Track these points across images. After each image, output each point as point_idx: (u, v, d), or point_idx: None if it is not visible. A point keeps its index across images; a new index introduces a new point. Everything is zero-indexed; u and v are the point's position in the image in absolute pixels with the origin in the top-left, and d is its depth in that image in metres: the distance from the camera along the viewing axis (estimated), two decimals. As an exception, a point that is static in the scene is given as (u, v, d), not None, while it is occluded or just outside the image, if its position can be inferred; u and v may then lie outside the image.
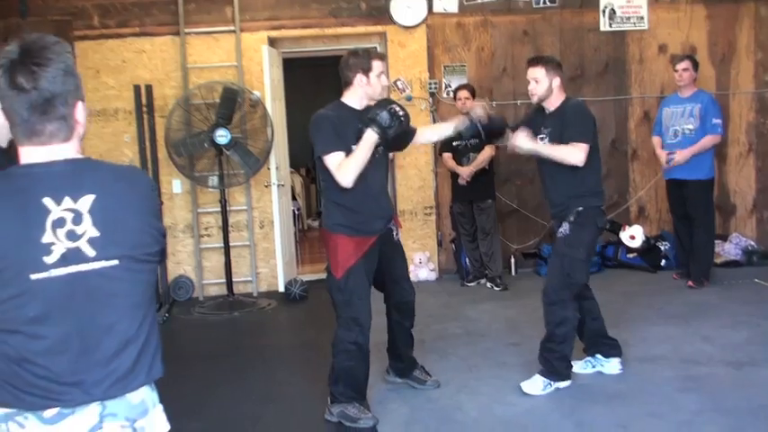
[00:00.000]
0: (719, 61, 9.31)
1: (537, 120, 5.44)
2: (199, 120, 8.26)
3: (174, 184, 8.78)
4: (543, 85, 5.25)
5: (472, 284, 8.61)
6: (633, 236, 8.98)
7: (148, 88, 8.29)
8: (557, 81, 5.25)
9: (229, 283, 8.49)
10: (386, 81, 5.06)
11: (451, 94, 8.70)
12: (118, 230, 2.22)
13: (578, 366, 5.61)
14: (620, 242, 9.02)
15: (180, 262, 8.92)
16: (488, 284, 8.46)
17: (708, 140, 7.85)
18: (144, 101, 8.26)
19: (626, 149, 9.38)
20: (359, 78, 4.93)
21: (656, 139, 8.30)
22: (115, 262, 2.21)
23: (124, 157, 8.60)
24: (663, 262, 8.92)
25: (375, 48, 9.06)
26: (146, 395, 2.35)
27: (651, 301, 7.60)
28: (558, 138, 5.19)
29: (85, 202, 2.17)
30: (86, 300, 2.19)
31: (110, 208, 2.22)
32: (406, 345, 5.50)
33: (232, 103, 8.13)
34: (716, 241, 8.54)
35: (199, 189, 8.77)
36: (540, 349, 5.37)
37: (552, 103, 5.31)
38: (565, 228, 5.23)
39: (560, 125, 5.20)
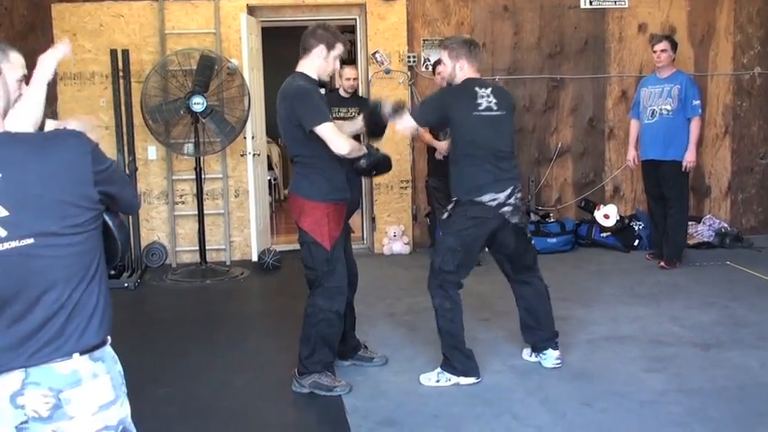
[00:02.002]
0: (698, 42, 9.32)
1: None
2: (175, 86, 8.19)
3: (150, 151, 8.73)
4: (447, 69, 5.18)
5: (446, 259, 8.62)
6: (607, 215, 9.07)
7: (125, 53, 8.20)
8: (461, 63, 5.11)
9: (203, 251, 8.47)
10: (338, 66, 5.11)
11: (430, 69, 8.67)
12: (30, 207, 2.20)
13: (525, 354, 5.57)
14: (594, 221, 9.09)
15: (154, 228, 8.88)
16: (461, 259, 8.47)
17: (696, 126, 7.88)
18: (120, 65, 8.17)
19: (603, 128, 9.40)
20: (320, 49, 4.92)
21: (633, 124, 8.30)
22: (30, 240, 2.20)
23: (99, 121, 8.53)
24: (636, 242, 8.95)
25: (354, 19, 9.05)
26: (80, 365, 2.31)
27: (622, 280, 7.63)
28: None
29: None
30: (7, 279, 2.20)
31: (21, 184, 2.19)
32: (352, 323, 5.50)
33: (209, 70, 8.07)
34: (689, 223, 8.58)
35: (174, 156, 8.72)
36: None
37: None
38: (447, 214, 5.19)
39: None
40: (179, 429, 4.68)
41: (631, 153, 8.29)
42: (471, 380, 5.10)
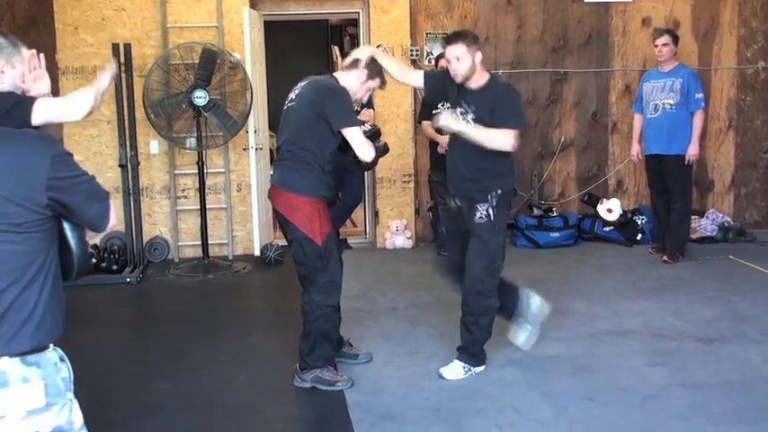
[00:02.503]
0: (702, 36, 9.29)
1: (459, 94, 5.14)
2: (177, 80, 8.19)
3: (152, 145, 8.71)
4: (466, 63, 4.95)
5: (447, 254, 8.60)
6: (610, 209, 9.05)
7: (127, 47, 8.18)
8: (479, 56, 4.98)
9: (205, 246, 8.45)
10: (365, 98, 5.37)
11: (433, 62, 8.66)
12: None
13: (522, 337, 5.42)
14: (597, 215, 9.08)
15: (156, 223, 8.88)
16: (464, 254, 8.47)
17: (699, 119, 7.87)
18: (123, 60, 8.16)
19: (606, 122, 9.37)
20: (361, 74, 5.02)
21: (636, 118, 8.29)
22: None
23: (101, 115, 8.52)
24: (639, 236, 8.93)
25: (357, 13, 9.03)
26: (9, 367, 2.31)
27: (625, 274, 7.62)
28: (486, 118, 4.94)
29: None
30: None
31: None
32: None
33: (211, 64, 8.06)
34: (692, 217, 8.57)
35: (176, 150, 8.70)
36: (463, 336, 5.21)
37: (476, 81, 5.03)
38: (486, 212, 5.02)
39: (488, 105, 4.95)
40: (182, 424, 4.68)
41: (635, 148, 8.28)
42: (483, 367, 5.21)
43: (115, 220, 2.59)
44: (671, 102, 7.84)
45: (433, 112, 8.05)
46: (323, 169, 4.91)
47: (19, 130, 2.45)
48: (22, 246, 2.30)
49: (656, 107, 7.95)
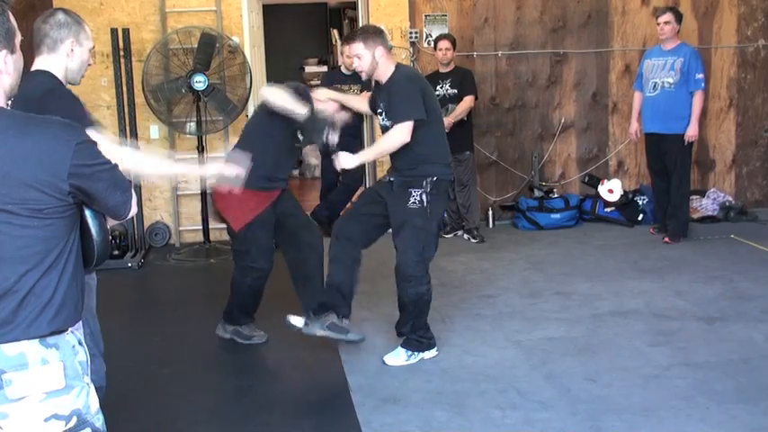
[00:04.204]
0: (702, 14, 9.24)
1: (376, 94, 5.21)
2: (177, 65, 8.16)
3: (152, 130, 8.69)
4: (366, 60, 4.96)
5: (449, 236, 8.59)
6: (611, 190, 9.04)
7: (126, 32, 8.17)
8: (379, 51, 4.95)
9: (206, 230, 8.46)
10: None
11: (432, 44, 8.63)
12: None
13: (299, 324, 5.33)
14: (598, 196, 9.07)
15: (157, 208, 8.87)
16: (465, 236, 8.47)
17: (698, 100, 7.82)
18: (121, 45, 8.15)
19: (606, 103, 9.34)
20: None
21: (637, 96, 8.26)
22: None
23: (101, 101, 8.51)
24: (640, 216, 8.91)
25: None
26: (28, 349, 2.29)
27: (627, 255, 7.62)
28: (390, 114, 5.00)
29: None
30: None
31: None
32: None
33: (210, 48, 8.03)
34: (694, 196, 8.56)
35: (176, 135, 8.69)
36: (399, 324, 5.23)
37: (382, 75, 5.04)
38: (420, 197, 4.95)
39: (387, 100, 5.00)
40: (183, 408, 4.70)
41: (634, 126, 8.25)
42: (434, 352, 5.20)
43: (136, 209, 2.60)
44: (670, 80, 7.81)
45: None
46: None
47: (42, 116, 2.44)
48: (43, 231, 2.29)
49: (655, 85, 7.92)
